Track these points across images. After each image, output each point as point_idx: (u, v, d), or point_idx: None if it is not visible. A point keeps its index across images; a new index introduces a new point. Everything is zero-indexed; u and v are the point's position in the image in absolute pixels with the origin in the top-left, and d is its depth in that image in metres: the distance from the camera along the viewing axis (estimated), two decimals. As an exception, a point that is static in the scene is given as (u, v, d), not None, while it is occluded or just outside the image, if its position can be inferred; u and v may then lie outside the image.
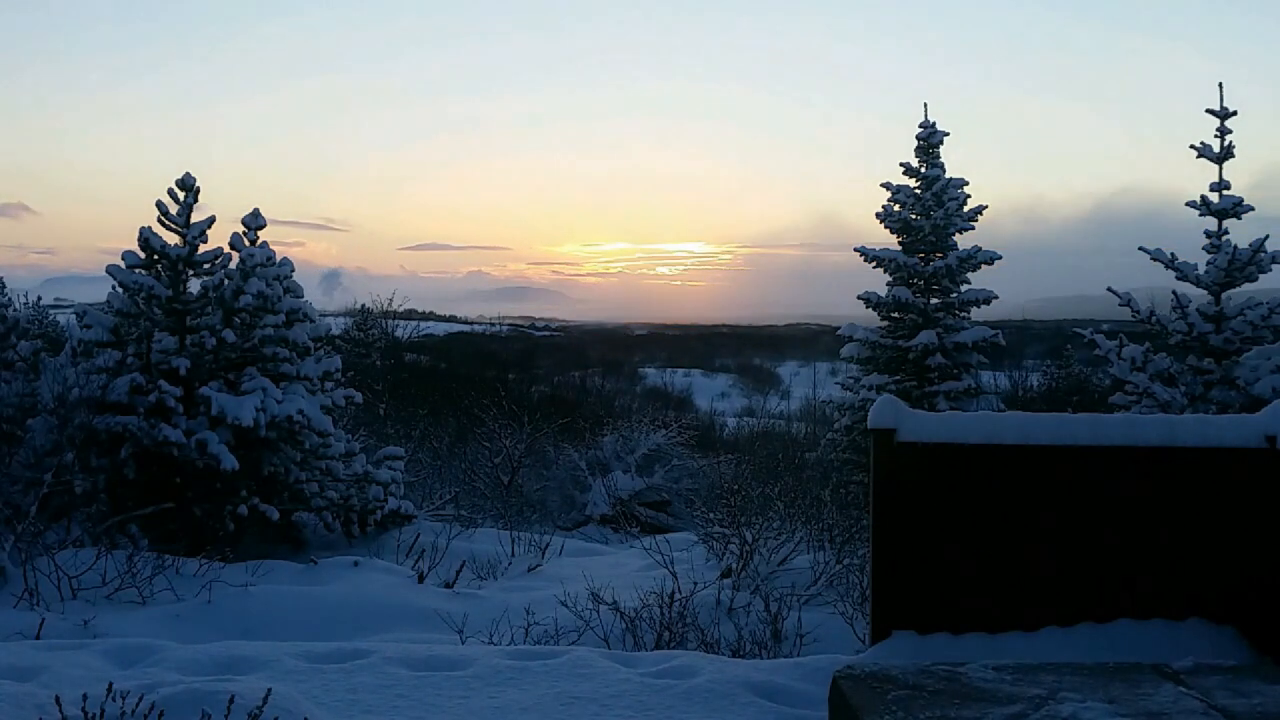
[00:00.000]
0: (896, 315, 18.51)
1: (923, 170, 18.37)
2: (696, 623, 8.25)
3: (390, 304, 38.54)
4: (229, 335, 12.73)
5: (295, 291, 13.78)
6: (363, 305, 37.99)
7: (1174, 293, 11.44)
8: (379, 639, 7.71)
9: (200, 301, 12.96)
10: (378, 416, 20.57)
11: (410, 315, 47.15)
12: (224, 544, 10.93)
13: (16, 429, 11.86)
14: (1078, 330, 13.24)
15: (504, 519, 16.71)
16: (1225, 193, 11.47)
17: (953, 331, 18.15)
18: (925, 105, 21.10)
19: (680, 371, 76.17)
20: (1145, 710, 4.08)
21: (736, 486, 12.13)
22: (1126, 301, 11.93)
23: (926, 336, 17.84)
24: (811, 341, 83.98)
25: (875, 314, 18.75)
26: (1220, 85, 11.56)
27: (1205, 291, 11.51)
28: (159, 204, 12.84)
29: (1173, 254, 11.65)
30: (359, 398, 14.74)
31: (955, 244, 18.41)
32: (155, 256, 12.73)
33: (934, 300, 18.49)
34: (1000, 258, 18.38)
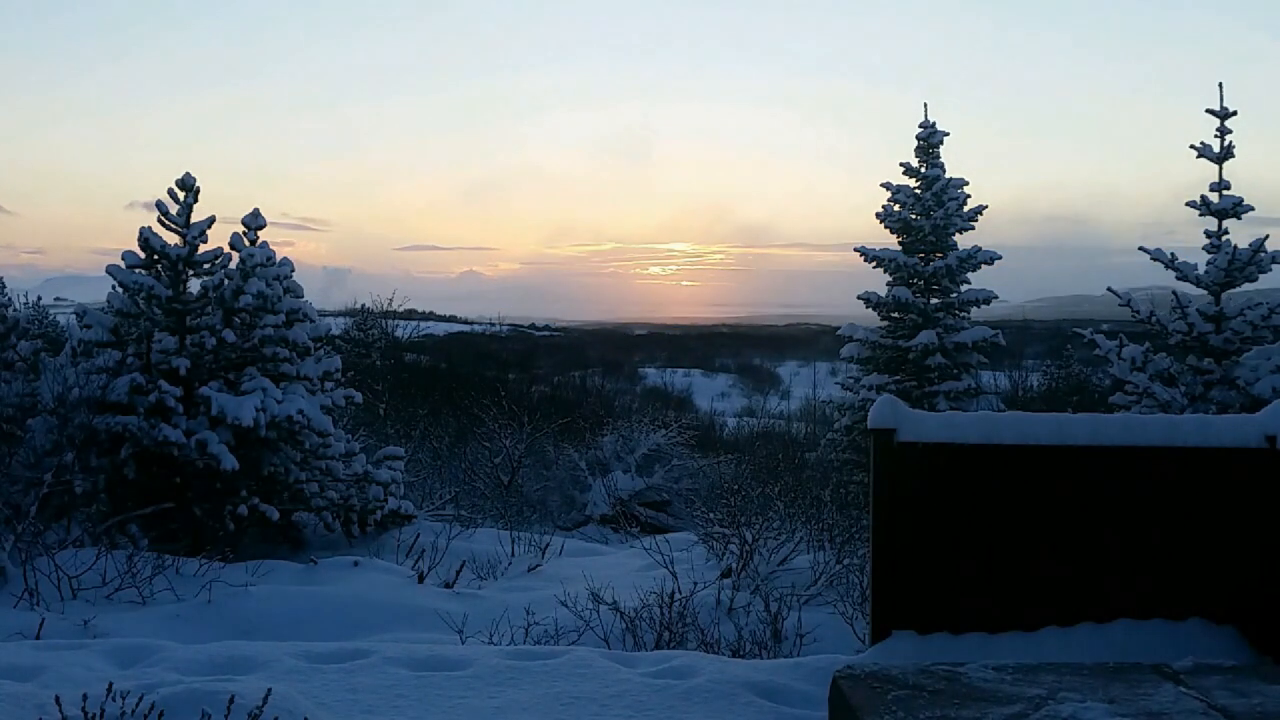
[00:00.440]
0: (896, 315, 18.54)
1: (923, 170, 18.39)
2: (696, 623, 8.25)
3: (390, 304, 38.55)
4: (229, 335, 12.73)
5: (295, 291, 13.78)
6: (363, 305, 37.99)
7: (1174, 293, 11.45)
8: (379, 639, 7.71)
9: (200, 301, 12.96)
10: (378, 416, 20.57)
11: (410, 315, 47.15)
12: (224, 544, 10.93)
13: (16, 429, 11.86)
14: (1078, 330, 13.25)
15: (504, 519, 16.71)
16: (1225, 193, 11.48)
17: (953, 331, 18.17)
18: (925, 105, 21.12)
19: (680, 371, 76.20)
20: (1145, 710, 4.08)
21: (736, 486, 12.13)
22: (1126, 301, 11.94)
23: (926, 336, 17.86)
24: (811, 341, 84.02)
25: (875, 314, 18.77)
26: (1220, 85, 11.58)
27: (1205, 291, 11.51)
28: (159, 204, 12.84)
29: (1173, 254, 11.66)
30: (359, 398, 14.74)
31: (955, 244, 18.43)
32: (155, 256, 12.73)
33: (934, 300, 18.50)
34: (1000, 257, 18.41)
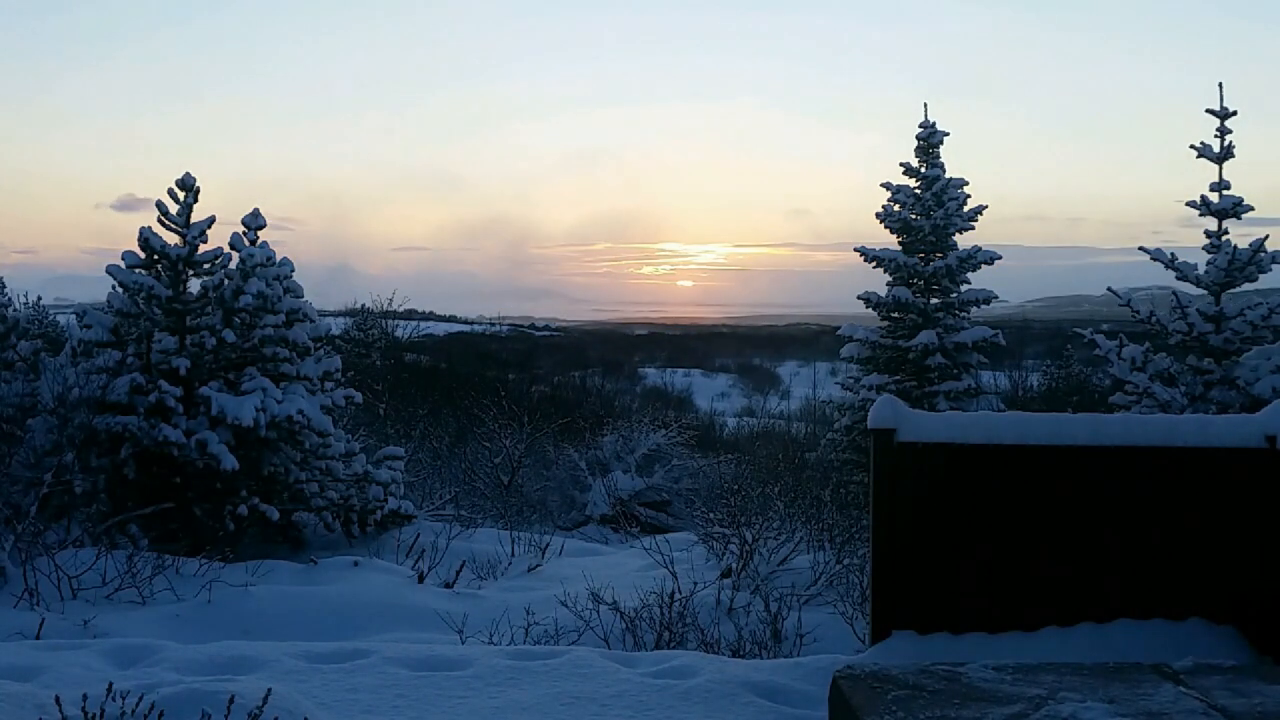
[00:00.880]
0: (896, 315, 18.53)
1: (923, 170, 18.38)
2: (696, 623, 8.25)
3: (390, 303, 38.55)
4: (229, 335, 12.73)
5: (295, 291, 13.77)
6: (363, 305, 37.98)
7: (1174, 293, 11.45)
8: (379, 639, 7.72)
9: (200, 301, 12.96)
10: (378, 416, 20.56)
11: (410, 315, 47.14)
12: (224, 544, 10.92)
13: (16, 429, 11.86)
14: (1078, 330, 13.25)
15: (504, 519, 16.71)
16: (1225, 193, 11.47)
17: (953, 331, 18.17)
18: (925, 105, 21.13)
19: (680, 371, 76.21)
20: (1145, 710, 4.08)
21: (736, 486, 12.13)
22: (1126, 302, 11.94)
23: (926, 336, 17.86)
24: (811, 341, 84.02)
25: (875, 314, 18.77)
26: (1220, 85, 11.58)
27: (1205, 291, 11.51)
28: (159, 204, 12.85)
29: (1173, 254, 11.66)
30: (359, 398, 14.74)
31: (955, 244, 18.43)
32: (155, 256, 12.73)
33: (934, 300, 18.50)
34: (1000, 257, 18.42)
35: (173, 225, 12.86)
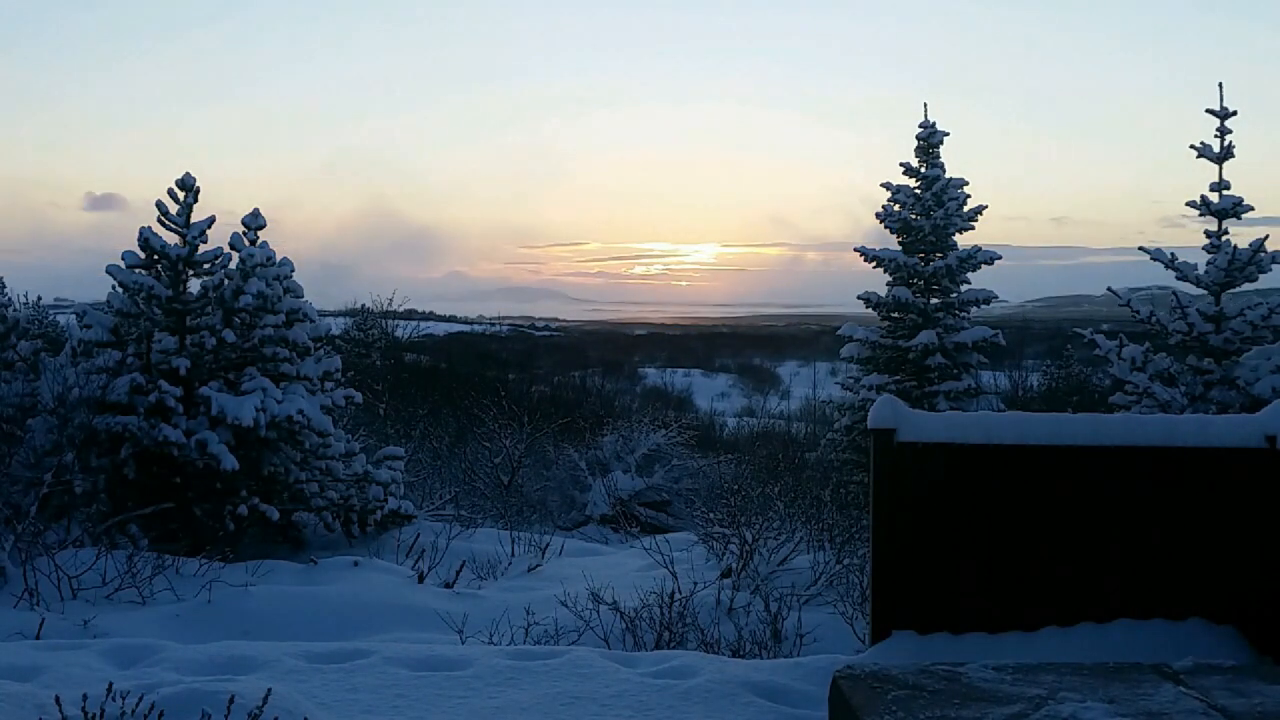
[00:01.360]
0: (896, 315, 18.54)
1: (923, 170, 18.39)
2: (696, 623, 8.25)
3: (390, 303, 38.56)
4: (229, 335, 12.73)
5: (295, 291, 13.77)
6: (363, 305, 38.00)
7: (1174, 293, 11.45)
8: (379, 639, 7.71)
9: (200, 301, 12.97)
10: (378, 416, 20.56)
11: (410, 315, 47.15)
12: (224, 544, 10.92)
13: (16, 429, 11.86)
14: (1078, 330, 13.25)
15: (504, 519, 16.71)
16: (1225, 193, 11.48)
17: (953, 331, 18.18)
18: (925, 105, 21.14)
19: (680, 371, 76.23)
20: (1145, 710, 4.08)
21: (736, 486, 12.13)
22: (1126, 302, 11.94)
23: (926, 336, 17.86)
24: (811, 341, 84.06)
25: (875, 314, 18.78)
26: (1220, 85, 11.58)
27: (1205, 291, 11.51)
28: (159, 204, 12.85)
29: (1173, 254, 11.66)
30: (359, 398, 14.73)
31: (955, 244, 18.43)
32: (155, 256, 12.73)
33: (934, 300, 18.51)
34: (1000, 257, 18.43)
35: (173, 225, 12.86)
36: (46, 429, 11.63)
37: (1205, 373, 11.10)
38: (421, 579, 10.55)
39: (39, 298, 23.82)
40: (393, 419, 21.52)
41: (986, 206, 18.51)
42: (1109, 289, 12.52)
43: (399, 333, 40.92)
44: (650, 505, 20.69)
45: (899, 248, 18.48)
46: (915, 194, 18.35)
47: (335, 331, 28.84)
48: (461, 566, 10.92)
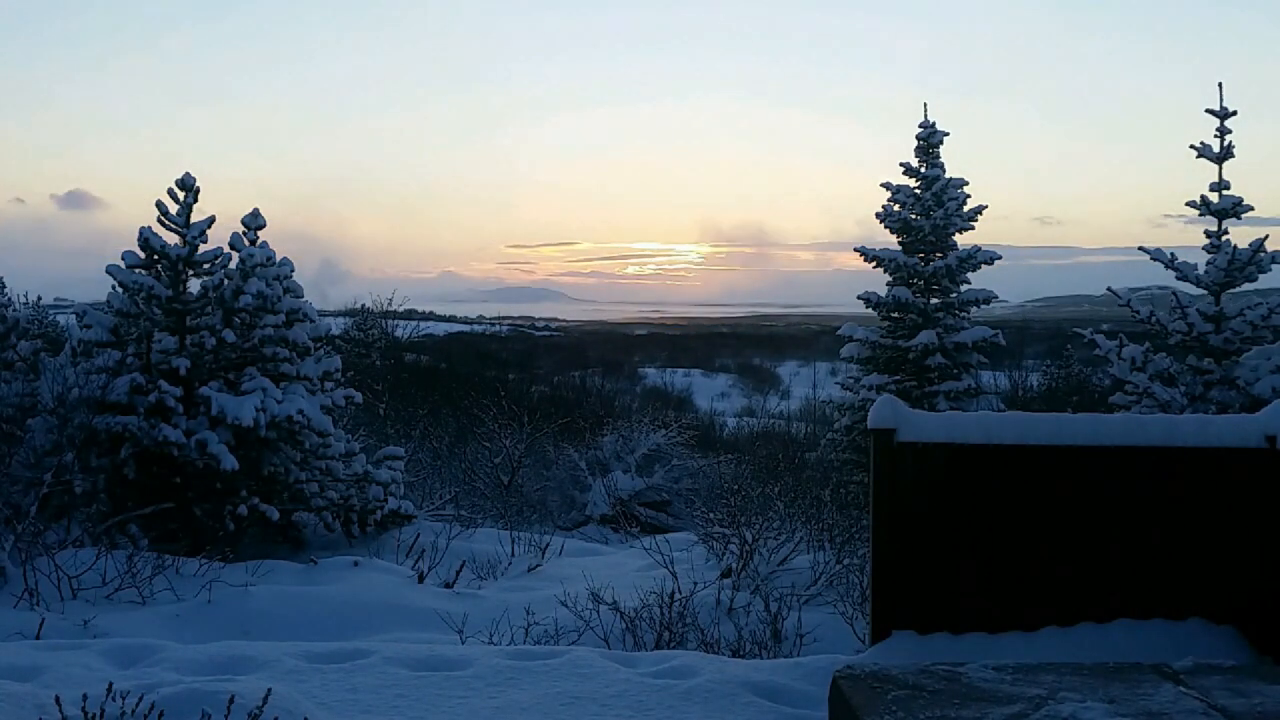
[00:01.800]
0: (896, 315, 18.54)
1: (923, 170, 18.39)
2: (696, 623, 8.25)
3: (390, 304, 38.57)
4: (229, 335, 12.73)
5: (295, 291, 13.77)
6: (363, 305, 38.02)
7: (1174, 293, 11.45)
8: (379, 639, 7.71)
9: (200, 301, 12.96)
10: (378, 416, 20.56)
11: (410, 315, 47.17)
12: (224, 544, 10.92)
13: (16, 429, 11.86)
14: (1078, 330, 13.25)
15: (504, 519, 16.71)
16: (1225, 193, 11.47)
17: (953, 331, 18.18)
18: (925, 105, 21.15)
19: (680, 371, 76.23)
20: (1145, 710, 4.08)
21: (736, 486, 12.13)
22: (1126, 302, 11.93)
23: (926, 336, 17.86)
24: (811, 341, 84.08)
25: (875, 314, 18.78)
26: (1220, 85, 11.57)
27: (1205, 291, 11.51)
28: (159, 204, 12.84)
29: (1173, 254, 11.66)
30: (359, 398, 14.73)
31: (955, 244, 18.43)
32: (155, 256, 12.73)
33: (934, 300, 18.51)
34: (1000, 257, 18.43)
35: (172, 225, 12.86)
36: (46, 429, 11.63)
37: (1205, 373, 11.10)
38: (421, 579, 10.55)
39: (39, 298, 23.84)
40: (393, 419, 21.53)
41: (986, 206, 18.52)
42: (1109, 289, 12.51)
43: (399, 333, 40.95)
44: (650, 505, 20.69)
45: (899, 248, 18.48)
46: (915, 194, 18.35)
47: (335, 331, 28.84)
48: (461, 566, 10.92)
